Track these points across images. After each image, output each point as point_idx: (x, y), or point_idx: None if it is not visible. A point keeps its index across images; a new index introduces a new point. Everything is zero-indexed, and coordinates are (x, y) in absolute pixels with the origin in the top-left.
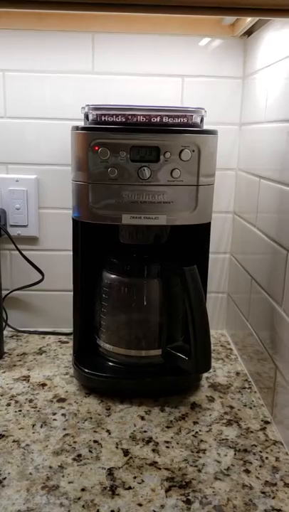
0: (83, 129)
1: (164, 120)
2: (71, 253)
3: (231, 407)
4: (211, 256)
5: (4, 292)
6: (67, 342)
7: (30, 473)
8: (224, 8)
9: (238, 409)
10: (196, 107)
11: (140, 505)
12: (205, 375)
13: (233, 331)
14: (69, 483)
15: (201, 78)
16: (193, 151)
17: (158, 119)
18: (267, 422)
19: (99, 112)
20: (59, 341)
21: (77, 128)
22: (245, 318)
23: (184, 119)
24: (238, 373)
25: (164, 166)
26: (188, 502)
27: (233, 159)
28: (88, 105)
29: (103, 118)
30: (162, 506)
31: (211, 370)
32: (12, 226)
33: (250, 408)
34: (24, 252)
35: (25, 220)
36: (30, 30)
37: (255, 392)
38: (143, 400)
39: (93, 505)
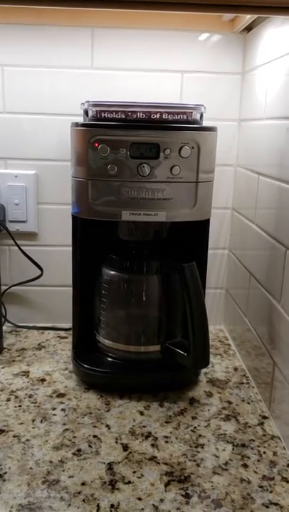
0: (83, 125)
1: (163, 117)
2: (70, 249)
3: (229, 403)
4: (209, 252)
5: (3, 288)
6: (66, 337)
7: (31, 468)
8: (223, 6)
9: (236, 405)
10: (196, 103)
11: (140, 499)
12: (203, 370)
13: (231, 327)
14: (69, 477)
15: (200, 74)
16: (193, 147)
17: (158, 115)
18: (265, 417)
19: (99, 109)
20: (58, 337)
21: (76, 124)
22: (243, 313)
23: (183, 116)
24: (236, 369)
25: (163, 162)
26: (187, 496)
27: (231, 155)
28: (88, 101)
29: (103, 114)
30: (161, 500)
31: (209, 366)
32: (11, 222)
33: (248, 403)
34: (23, 248)
35: (24, 216)
36: (29, 25)
37: (253, 387)
38: (142, 395)
39: (93, 499)
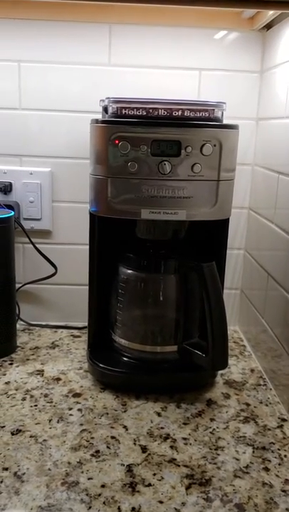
0: (103, 122)
1: (185, 114)
2: (84, 247)
3: (247, 404)
4: None
5: (17, 285)
6: (79, 336)
7: (49, 469)
8: (247, 1)
9: (254, 407)
10: (217, 101)
11: (161, 502)
12: (220, 371)
13: (246, 328)
14: (88, 479)
15: (218, 72)
16: (215, 145)
17: (179, 112)
18: (284, 420)
19: (119, 105)
20: (71, 335)
21: (96, 121)
22: (260, 314)
23: (205, 113)
24: (252, 370)
25: (184, 160)
26: (208, 500)
27: (249, 154)
28: (108, 98)
29: (123, 111)
30: (183, 504)
31: None
32: (25, 219)
33: (266, 405)
34: (37, 246)
35: (39, 214)
36: (47, 21)
37: (271, 389)
38: (158, 396)
39: (114, 501)
